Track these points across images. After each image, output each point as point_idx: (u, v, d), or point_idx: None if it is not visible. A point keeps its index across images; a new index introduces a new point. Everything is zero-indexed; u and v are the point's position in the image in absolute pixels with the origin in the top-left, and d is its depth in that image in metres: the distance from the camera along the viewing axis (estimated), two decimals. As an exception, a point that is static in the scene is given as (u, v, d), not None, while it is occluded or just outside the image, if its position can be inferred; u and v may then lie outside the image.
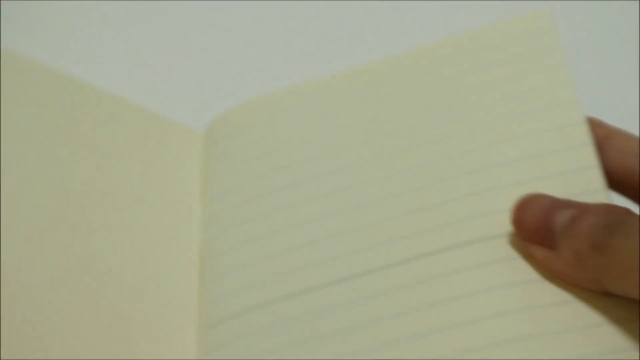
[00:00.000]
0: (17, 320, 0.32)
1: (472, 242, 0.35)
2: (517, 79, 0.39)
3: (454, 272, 0.34)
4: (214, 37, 0.51)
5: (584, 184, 0.34)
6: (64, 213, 0.37)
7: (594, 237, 0.30)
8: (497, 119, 0.38)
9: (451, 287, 0.34)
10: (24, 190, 0.36)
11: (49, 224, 0.36)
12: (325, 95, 0.41)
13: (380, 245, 0.36)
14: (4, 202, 0.35)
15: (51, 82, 0.40)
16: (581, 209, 0.32)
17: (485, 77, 0.39)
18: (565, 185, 0.34)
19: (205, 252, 0.39)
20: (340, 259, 0.36)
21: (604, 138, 0.36)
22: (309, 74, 0.44)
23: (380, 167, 0.38)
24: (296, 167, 0.39)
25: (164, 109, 0.43)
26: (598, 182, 0.34)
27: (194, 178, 0.41)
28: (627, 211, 0.31)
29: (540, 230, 0.33)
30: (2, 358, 0.31)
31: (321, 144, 0.40)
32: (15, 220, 0.35)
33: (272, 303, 0.36)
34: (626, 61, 0.49)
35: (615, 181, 0.36)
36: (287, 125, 0.41)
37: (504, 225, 0.34)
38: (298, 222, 0.38)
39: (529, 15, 0.40)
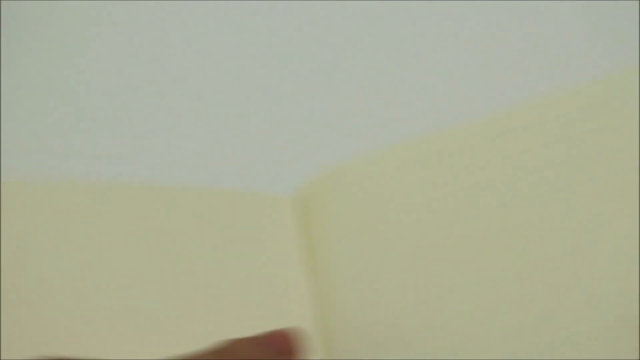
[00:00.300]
0: None
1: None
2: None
3: None
4: (265, 98, 0.50)
5: None
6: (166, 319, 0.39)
7: None
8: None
9: None
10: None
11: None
12: (432, 156, 0.40)
13: (516, 331, 0.36)
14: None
15: (117, 194, 0.41)
16: None
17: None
18: None
19: (330, 332, 0.38)
20: (472, 348, 0.36)
21: None
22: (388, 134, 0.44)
23: (498, 239, 0.37)
24: (413, 236, 0.38)
25: (236, 180, 0.44)
26: None
27: (291, 246, 0.40)
28: None
29: None
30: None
31: (433, 211, 0.38)
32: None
33: None
34: (626, 61, 0.49)
35: None
36: (393, 189, 0.40)
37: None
38: (428, 300, 0.37)
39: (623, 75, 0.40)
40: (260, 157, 0.47)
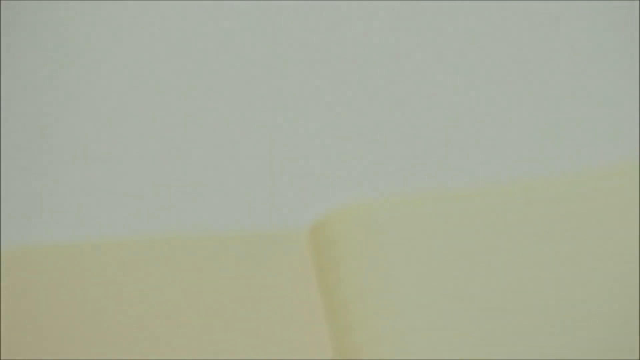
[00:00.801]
0: None
1: None
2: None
3: None
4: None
5: None
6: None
7: None
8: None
9: None
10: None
11: None
12: (443, 209, 0.42)
13: None
14: None
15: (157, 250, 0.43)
16: None
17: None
18: None
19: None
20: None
21: None
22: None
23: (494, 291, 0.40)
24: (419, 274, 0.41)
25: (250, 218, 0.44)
26: None
27: (308, 279, 0.42)
28: None
29: None
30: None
31: (451, 261, 0.41)
32: None
33: None
34: (626, 61, 0.49)
35: None
36: (402, 230, 0.42)
37: None
38: (437, 328, 0.39)
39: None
40: (275, 193, 0.47)
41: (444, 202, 0.43)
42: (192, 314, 0.41)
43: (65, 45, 0.50)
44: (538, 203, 0.42)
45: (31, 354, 0.39)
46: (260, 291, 0.41)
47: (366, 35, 0.50)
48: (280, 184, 0.47)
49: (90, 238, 0.44)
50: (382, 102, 0.49)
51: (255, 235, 0.43)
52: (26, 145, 0.48)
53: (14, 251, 0.42)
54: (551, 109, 0.48)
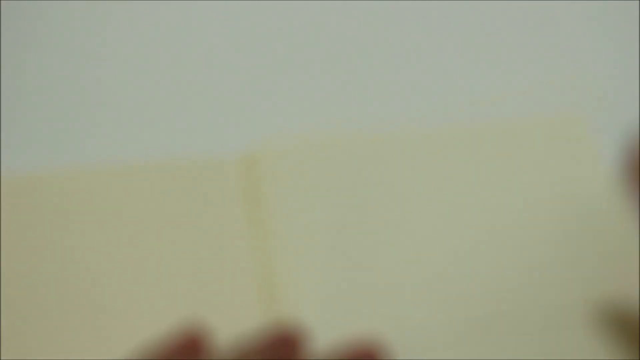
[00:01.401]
0: None
1: None
2: (551, 180, 0.43)
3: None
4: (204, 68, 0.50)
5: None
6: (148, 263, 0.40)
7: None
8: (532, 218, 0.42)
9: None
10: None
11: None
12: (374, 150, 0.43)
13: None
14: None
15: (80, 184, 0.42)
16: None
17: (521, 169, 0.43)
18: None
19: (276, 287, 0.40)
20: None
21: None
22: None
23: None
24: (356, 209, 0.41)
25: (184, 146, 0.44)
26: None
27: (236, 206, 0.42)
28: None
29: None
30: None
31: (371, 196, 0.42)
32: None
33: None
34: (626, 61, 0.49)
35: None
36: (333, 164, 0.43)
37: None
38: (369, 262, 0.40)
39: (562, 119, 0.44)
40: (206, 122, 0.47)
41: (374, 139, 0.43)
42: (113, 246, 0.41)
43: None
44: (460, 147, 0.43)
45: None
46: (185, 219, 0.41)
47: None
48: (206, 114, 0.47)
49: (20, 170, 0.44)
50: (309, 37, 0.50)
51: (181, 163, 0.43)
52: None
53: None
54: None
